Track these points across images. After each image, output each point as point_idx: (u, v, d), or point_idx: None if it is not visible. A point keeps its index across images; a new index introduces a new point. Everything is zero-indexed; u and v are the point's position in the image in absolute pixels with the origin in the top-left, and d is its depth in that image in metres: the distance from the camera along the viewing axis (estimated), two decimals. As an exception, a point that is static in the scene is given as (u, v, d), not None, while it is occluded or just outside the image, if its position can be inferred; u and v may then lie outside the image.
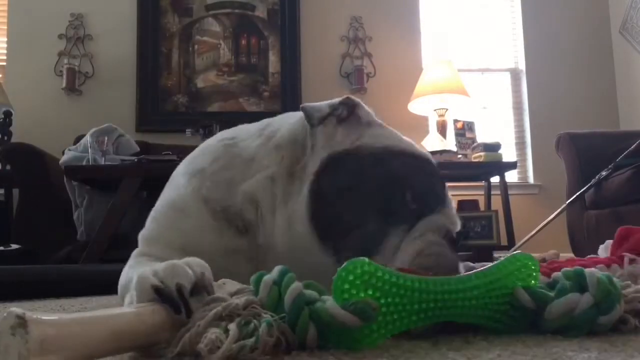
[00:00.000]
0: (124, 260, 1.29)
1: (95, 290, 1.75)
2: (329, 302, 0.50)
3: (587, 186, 2.73)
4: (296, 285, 0.52)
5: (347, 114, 0.82)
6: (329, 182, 0.75)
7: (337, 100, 0.83)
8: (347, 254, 0.70)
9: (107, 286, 1.66)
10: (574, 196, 2.81)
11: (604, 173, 2.63)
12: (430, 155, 0.83)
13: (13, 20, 4.05)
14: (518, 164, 3.89)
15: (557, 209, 2.87)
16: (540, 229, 2.84)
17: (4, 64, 4.05)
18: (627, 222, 2.53)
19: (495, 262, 0.58)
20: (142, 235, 0.90)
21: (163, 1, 4.14)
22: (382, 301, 0.51)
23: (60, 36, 4.05)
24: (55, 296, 1.66)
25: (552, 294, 0.57)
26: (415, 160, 0.78)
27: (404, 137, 0.84)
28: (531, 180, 4.16)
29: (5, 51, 4.05)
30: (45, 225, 3.08)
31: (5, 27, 4.07)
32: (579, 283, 0.57)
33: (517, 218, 3.41)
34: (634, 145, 2.55)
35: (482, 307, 0.55)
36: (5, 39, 4.05)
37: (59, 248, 2.84)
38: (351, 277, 0.50)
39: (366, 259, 0.51)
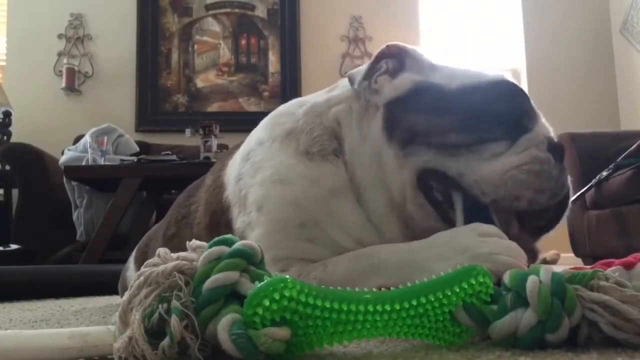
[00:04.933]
0: (123, 260, 1.29)
1: (95, 290, 1.75)
2: (226, 318, 0.45)
3: (587, 186, 2.72)
4: (225, 275, 0.47)
5: (397, 65, 0.78)
6: (407, 102, 0.74)
7: (378, 53, 0.78)
8: (419, 152, 0.70)
9: (107, 286, 1.66)
10: (575, 196, 2.80)
11: (604, 173, 2.63)
12: (505, 75, 0.77)
13: (13, 20, 4.05)
14: (518, 164, 3.88)
15: (558, 209, 2.86)
16: (541, 229, 2.82)
17: (4, 64, 4.05)
18: (628, 222, 2.54)
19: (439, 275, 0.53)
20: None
21: (163, 1, 4.14)
22: (301, 324, 0.46)
23: (59, 36, 4.05)
24: (55, 296, 1.65)
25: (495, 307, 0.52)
26: (498, 87, 0.74)
27: (472, 69, 0.78)
28: (531, 180, 4.15)
29: (5, 51, 4.05)
30: (45, 225, 3.08)
31: (5, 27, 4.07)
32: (523, 296, 0.51)
33: (518, 218, 3.40)
34: (634, 146, 2.55)
35: (418, 325, 0.51)
36: (5, 39, 4.05)
37: (58, 248, 2.84)
38: (267, 302, 0.44)
39: (290, 281, 0.45)
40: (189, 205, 0.95)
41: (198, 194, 0.94)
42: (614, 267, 0.61)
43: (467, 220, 0.67)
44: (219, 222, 0.82)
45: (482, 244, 0.61)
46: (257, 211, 0.75)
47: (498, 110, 0.71)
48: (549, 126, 0.77)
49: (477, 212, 0.67)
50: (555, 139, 0.74)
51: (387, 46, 0.79)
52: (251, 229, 0.75)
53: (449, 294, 0.51)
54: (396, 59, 0.79)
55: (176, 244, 0.91)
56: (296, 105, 0.84)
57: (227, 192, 0.82)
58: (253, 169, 0.78)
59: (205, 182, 0.93)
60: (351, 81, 0.80)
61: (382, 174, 0.73)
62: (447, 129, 0.70)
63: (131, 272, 1.16)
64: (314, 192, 0.74)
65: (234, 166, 0.83)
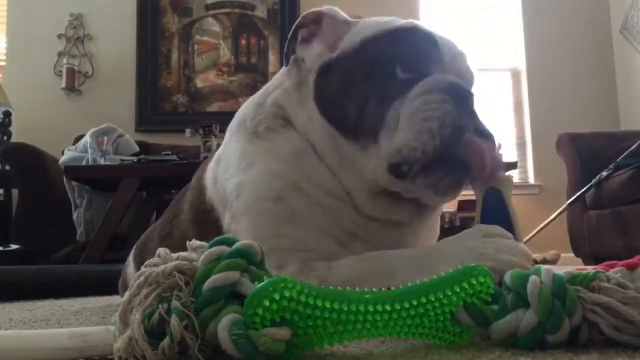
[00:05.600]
0: (123, 260, 1.29)
1: (95, 290, 1.75)
2: (226, 318, 0.45)
3: (587, 186, 2.73)
4: (225, 275, 0.47)
5: (314, 30, 0.81)
6: (325, 86, 0.76)
7: (295, 24, 0.82)
8: (364, 138, 0.71)
9: (107, 286, 1.66)
10: (575, 196, 2.82)
11: (604, 173, 2.63)
12: (415, 22, 0.80)
13: (13, 20, 4.05)
14: (518, 164, 3.89)
15: (558, 209, 2.87)
16: (541, 229, 2.84)
17: (4, 64, 4.05)
18: (628, 222, 2.54)
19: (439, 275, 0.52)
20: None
21: (163, 1, 4.14)
22: (301, 324, 0.46)
23: (59, 36, 4.05)
24: (55, 296, 1.65)
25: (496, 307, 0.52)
26: (397, 35, 0.76)
27: (385, 18, 0.82)
28: (531, 180, 4.16)
29: (5, 51, 4.05)
30: (45, 225, 3.08)
31: (5, 27, 4.07)
32: (524, 296, 0.50)
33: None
34: (634, 146, 2.55)
35: (418, 325, 0.51)
36: (5, 39, 4.05)
37: (58, 248, 2.84)
38: (267, 303, 0.44)
39: (290, 281, 0.45)
40: (179, 206, 0.99)
41: (187, 194, 0.98)
42: (616, 268, 0.61)
43: (485, 211, 0.72)
44: (204, 219, 0.85)
45: (486, 244, 0.62)
46: (236, 199, 0.77)
47: (396, 59, 0.72)
48: (467, 70, 0.79)
49: (494, 204, 0.70)
50: (468, 85, 0.76)
51: (303, 15, 0.81)
52: (235, 221, 0.77)
53: (450, 293, 0.51)
54: (312, 25, 0.81)
55: (169, 243, 0.93)
56: (244, 103, 0.90)
57: (208, 194, 0.86)
58: (224, 167, 0.83)
59: (191, 184, 0.97)
60: (286, 61, 0.82)
61: (342, 154, 0.74)
62: (360, 108, 0.72)
63: (131, 270, 1.16)
64: (278, 157, 0.77)
65: (210, 170, 0.88)
